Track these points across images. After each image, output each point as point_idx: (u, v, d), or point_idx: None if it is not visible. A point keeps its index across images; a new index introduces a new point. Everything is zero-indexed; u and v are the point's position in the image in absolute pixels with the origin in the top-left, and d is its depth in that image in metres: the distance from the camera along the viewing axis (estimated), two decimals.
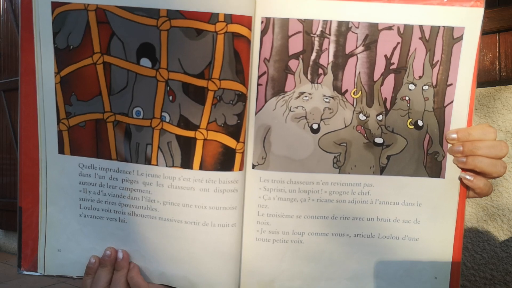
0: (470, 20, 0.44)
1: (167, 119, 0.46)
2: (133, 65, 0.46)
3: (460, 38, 0.44)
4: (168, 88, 0.45)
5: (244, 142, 0.46)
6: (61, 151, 0.49)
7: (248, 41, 0.44)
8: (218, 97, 0.45)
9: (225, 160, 0.46)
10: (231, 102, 0.45)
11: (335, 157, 0.46)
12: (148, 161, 0.47)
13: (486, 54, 1.34)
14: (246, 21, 0.43)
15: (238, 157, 0.46)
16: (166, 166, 0.46)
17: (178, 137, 0.46)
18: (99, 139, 0.48)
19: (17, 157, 3.13)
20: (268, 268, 0.48)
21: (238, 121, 0.45)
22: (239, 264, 0.48)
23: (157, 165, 0.47)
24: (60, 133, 0.48)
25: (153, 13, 0.44)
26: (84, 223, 0.50)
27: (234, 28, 0.43)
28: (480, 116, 1.39)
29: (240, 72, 0.45)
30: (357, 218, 0.47)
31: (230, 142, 0.45)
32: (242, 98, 0.45)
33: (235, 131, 0.45)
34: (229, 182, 0.46)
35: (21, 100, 0.48)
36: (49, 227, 0.50)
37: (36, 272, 0.50)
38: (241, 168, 0.46)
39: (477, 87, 1.38)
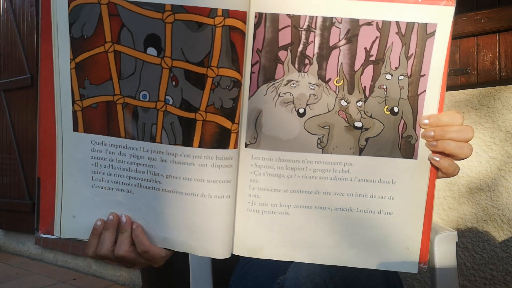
0: (442, 18, 0.48)
1: (171, 102, 0.51)
2: (140, 53, 0.51)
3: (433, 33, 0.49)
4: (172, 74, 0.51)
5: (238, 124, 0.51)
6: (75, 129, 0.54)
7: (243, 34, 0.49)
8: (216, 83, 0.50)
9: (222, 139, 0.51)
10: (227, 87, 0.50)
11: (319, 138, 0.51)
12: (153, 139, 0.52)
13: (486, 54, 1.34)
14: (241, 16, 0.49)
15: (233, 136, 0.51)
16: (169, 144, 0.52)
17: (180, 118, 0.51)
18: (110, 119, 0.53)
19: (16, 156, 3.12)
20: (258, 236, 0.54)
21: (233, 105, 0.51)
22: (232, 232, 0.54)
23: (161, 142, 0.52)
24: (74, 113, 0.54)
25: (159, 7, 0.49)
26: (95, 193, 0.55)
27: (231, 22, 0.49)
28: (480, 116, 1.39)
29: (235, 61, 0.50)
30: (338, 194, 0.52)
31: (226, 123, 0.51)
32: (237, 84, 0.50)
33: (231, 113, 0.51)
34: (224, 158, 0.51)
35: (40, 82, 0.53)
36: (65, 195, 0.55)
37: (53, 235, 0.56)
38: (235, 147, 0.52)
39: (477, 87, 1.38)
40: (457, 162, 0.52)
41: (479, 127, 1.39)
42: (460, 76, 1.38)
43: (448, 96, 1.44)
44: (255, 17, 0.49)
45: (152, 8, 0.49)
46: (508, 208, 1.36)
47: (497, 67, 1.32)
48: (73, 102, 0.53)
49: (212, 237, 0.53)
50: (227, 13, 0.48)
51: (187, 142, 0.51)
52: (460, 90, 1.41)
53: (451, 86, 1.40)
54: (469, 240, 1.43)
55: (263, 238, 0.54)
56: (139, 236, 0.54)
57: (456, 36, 1.37)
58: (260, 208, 0.53)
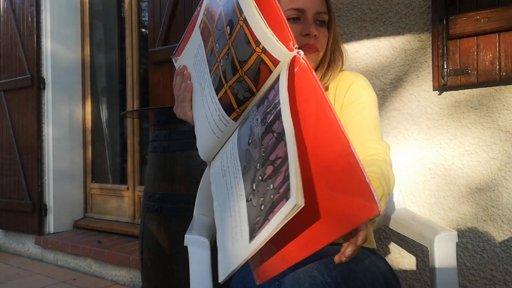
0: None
1: (221, 64, 0.77)
2: (224, 26, 0.76)
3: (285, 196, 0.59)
4: (229, 51, 0.74)
5: (242, 110, 0.75)
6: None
7: (269, 70, 0.68)
8: (239, 80, 0.72)
9: (229, 109, 0.77)
10: (244, 88, 0.72)
11: (245, 166, 0.69)
12: (210, 72, 0.81)
13: (486, 54, 1.34)
14: (274, 61, 0.66)
15: (234, 114, 0.77)
16: (212, 83, 0.80)
17: (220, 77, 0.78)
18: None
19: (16, 156, 3.07)
20: (219, 157, 0.84)
21: (244, 99, 0.74)
22: (213, 154, 0.87)
23: (210, 77, 0.81)
24: (202, 21, 0.86)
25: (240, 10, 0.71)
26: (190, 65, 0.91)
27: (264, 57, 0.68)
28: (480, 116, 1.39)
29: (256, 79, 0.70)
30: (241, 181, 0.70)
31: (234, 104, 0.76)
32: (251, 92, 0.72)
33: (240, 102, 0.75)
34: (224, 119, 0.79)
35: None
36: (185, 51, 0.95)
37: (175, 63, 0.99)
38: (235, 120, 0.77)
39: (477, 87, 1.38)
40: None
41: (479, 127, 1.39)
42: (460, 76, 1.38)
43: (448, 96, 1.44)
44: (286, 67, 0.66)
45: (237, 7, 0.72)
46: (508, 208, 1.36)
47: (497, 67, 1.32)
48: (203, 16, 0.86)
49: (208, 143, 0.86)
50: (265, 51, 0.67)
51: (217, 92, 0.79)
52: (460, 90, 1.42)
53: (451, 86, 1.40)
54: (469, 240, 1.43)
55: (218, 164, 0.82)
56: (187, 91, 0.92)
57: (456, 36, 1.37)
58: (223, 153, 0.81)
